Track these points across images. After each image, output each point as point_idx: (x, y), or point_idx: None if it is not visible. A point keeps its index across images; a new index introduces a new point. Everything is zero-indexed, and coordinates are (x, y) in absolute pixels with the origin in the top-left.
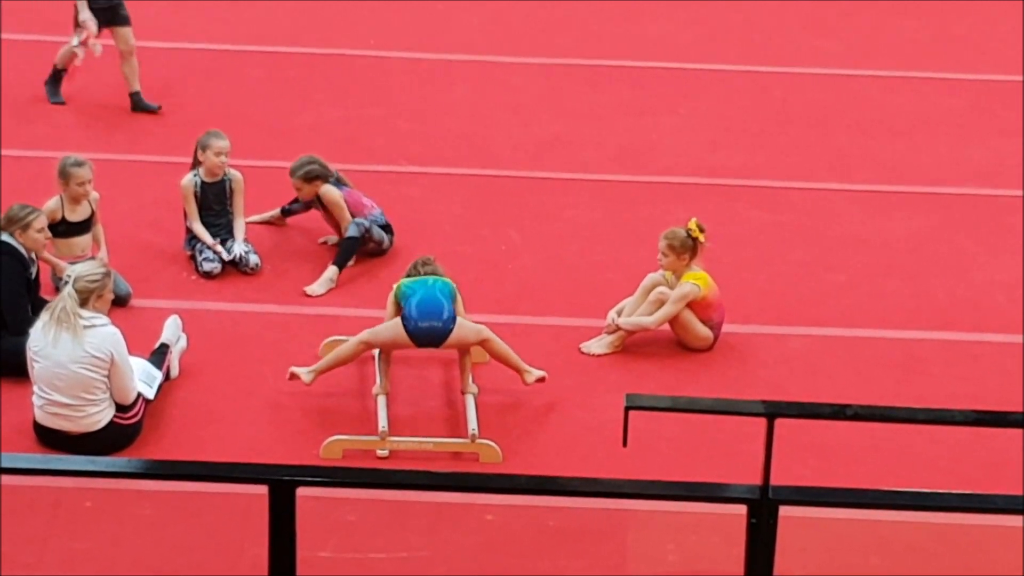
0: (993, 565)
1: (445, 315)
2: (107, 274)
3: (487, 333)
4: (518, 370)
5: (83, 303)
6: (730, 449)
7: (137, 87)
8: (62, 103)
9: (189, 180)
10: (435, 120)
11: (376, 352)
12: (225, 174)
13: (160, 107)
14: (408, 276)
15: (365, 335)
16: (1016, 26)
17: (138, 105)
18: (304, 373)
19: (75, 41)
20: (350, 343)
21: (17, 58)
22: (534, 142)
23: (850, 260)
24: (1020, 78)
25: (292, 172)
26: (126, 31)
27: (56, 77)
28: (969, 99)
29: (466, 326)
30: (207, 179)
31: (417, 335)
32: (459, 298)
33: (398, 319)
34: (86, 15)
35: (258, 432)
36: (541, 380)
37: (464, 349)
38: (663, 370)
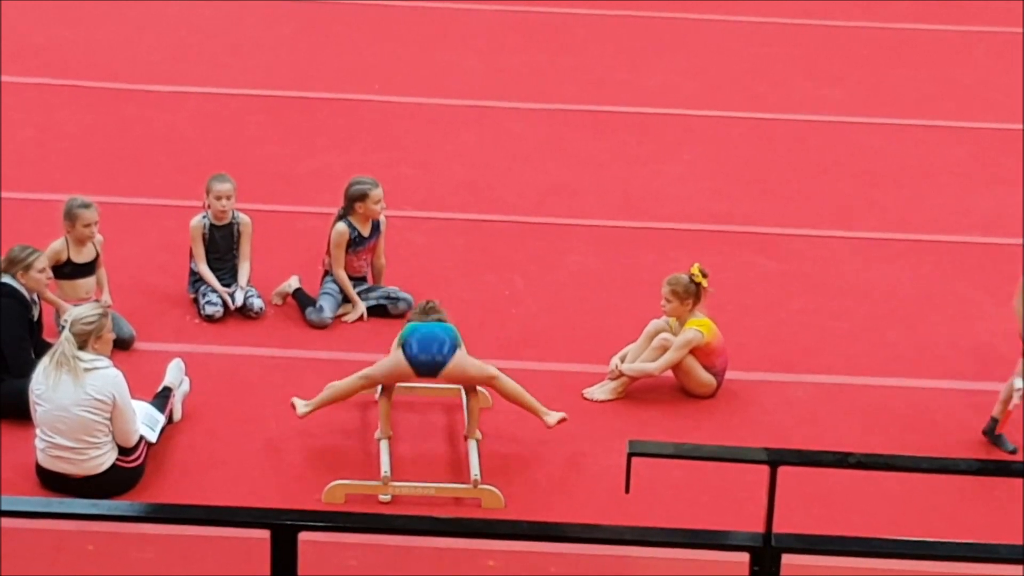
0: None
1: (445, 349)
2: (104, 315)
3: (494, 371)
4: (535, 412)
5: (82, 345)
6: (733, 496)
7: None
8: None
9: (198, 222)
10: (439, 165)
11: (378, 396)
12: (233, 217)
13: (1016, 449)
14: (412, 320)
15: (365, 371)
16: (1017, 75)
17: None
18: (301, 405)
19: (1019, 384)
20: (350, 379)
21: (20, 100)
22: (538, 188)
23: (853, 308)
24: (1022, 127)
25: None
26: None
27: (991, 430)
28: (972, 148)
29: (468, 359)
30: (215, 222)
31: (416, 363)
32: (462, 344)
33: (399, 350)
34: None
35: (260, 476)
36: (562, 421)
37: (470, 388)
38: (666, 417)
